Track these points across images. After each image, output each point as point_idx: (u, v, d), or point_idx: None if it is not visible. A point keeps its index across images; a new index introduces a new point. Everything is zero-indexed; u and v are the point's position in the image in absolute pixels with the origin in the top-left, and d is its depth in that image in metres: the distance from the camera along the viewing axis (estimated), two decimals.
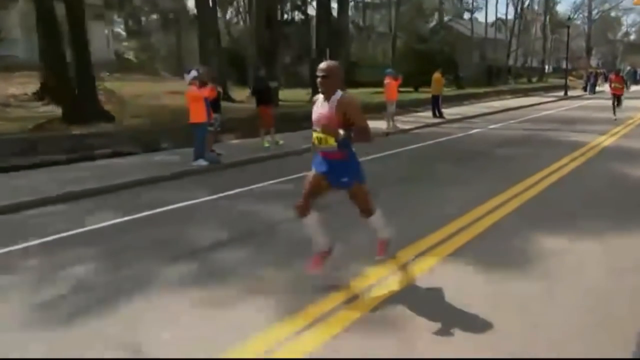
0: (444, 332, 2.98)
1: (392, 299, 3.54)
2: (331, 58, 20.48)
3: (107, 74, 28.58)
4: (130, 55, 32.53)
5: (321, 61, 3.84)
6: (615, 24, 65.93)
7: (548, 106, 23.07)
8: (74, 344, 2.97)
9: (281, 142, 11.62)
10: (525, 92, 32.65)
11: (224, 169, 9.10)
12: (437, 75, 17.22)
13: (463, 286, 3.66)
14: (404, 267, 4.07)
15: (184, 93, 9.07)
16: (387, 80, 14.41)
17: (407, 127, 14.88)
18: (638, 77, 43.58)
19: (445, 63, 28.11)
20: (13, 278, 4.21)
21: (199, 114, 8.90)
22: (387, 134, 13.98)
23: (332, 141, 3.54)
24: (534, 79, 46.67)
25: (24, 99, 20.22)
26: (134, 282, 3.94)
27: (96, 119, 14.18)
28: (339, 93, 3.57)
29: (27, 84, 21.75)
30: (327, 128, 3.46)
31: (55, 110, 18.42)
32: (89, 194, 7.04)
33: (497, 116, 18.44)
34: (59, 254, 4.75)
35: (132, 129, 12.73)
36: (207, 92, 8.98)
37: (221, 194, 6.76)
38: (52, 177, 7.97)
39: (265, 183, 7.46)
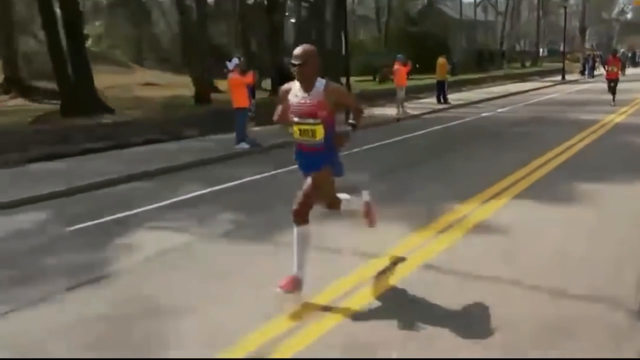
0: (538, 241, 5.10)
1: (489, 219, 5.64)
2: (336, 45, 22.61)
3: None
4: (88, 43, 33.71)
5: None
6: (609, 1, 70.14)
7: (548, 90, 25.88)
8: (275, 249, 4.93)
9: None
10: (521, 77, 35.50)
11: (266, 150, 11.04)
12: (442, 60, 19.59)
13: (537, 216, 5.79)
14: (482, 205, 6.21)
15: (228, 80, 10.99)
16: (396, 66, 16.66)
17: (415, 112, 17.13)
18: (638, 60, 47.35)
19: (438, 48, 30.61)
20: (184, 222, 6.15)
21: (241, 100, 10.87)
22: (397, 119, 16.21)
23: (320, 134, 3.70)
24: (528, 64, 49.94)
25: None
26: (278, 221, 5.90)
27: (96, 111, 15.84)
28: (322, 81, 3.70)
29: None
30: (324, 119, 3.69)
31: (28, 104, 19.86)
32: (162, 172, 8.92)
33: (500, 101, 20.99)
34: (199, 207, 6.70)
35: (150, 119, 14.47)
36: (249, 78, 10.96)
37: (284, 169, 8.66)
38: (115, 160, 9.80)
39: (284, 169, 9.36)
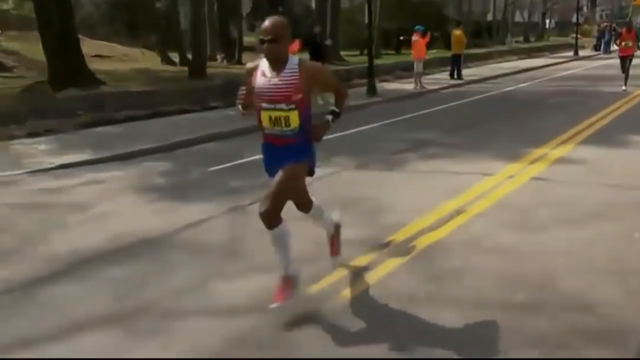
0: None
1: (565, 156, 9.27)
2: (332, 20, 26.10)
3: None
4: (8, 5, 35.88)
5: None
6: None
7: (564, 66, 30.29)
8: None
9: (331, 99, 17.18)
10: (528, 53, 39.85)
11: None
12: (458, 32, 23.36)
13: (602, 154, 9.37)
14: (554, 149, 9.88)
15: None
16: (415, 37, 20.33)
17: (432, 87, 20.84)
18: None
19: (435, 18, 34.62)
20: None
21: None
22: (419, 93, 19.90)
23: (295, 121, 3.92)
24: (533, 38, 54.96)
25: None
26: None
27: (85, 83, 18.75)
28: (294, 58, 3.97)
29: None
30: (299, 104, 3.96)
31: None
32: (235, 134, 12.22)
33: (517, 76, 25.07)
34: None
35: (172, 90, 17.59)
36: (296, 46, 14.36)
37: (342, 133, 12.05)
38: (174, 126, 13.02)
39: (367, 127, 12.97)
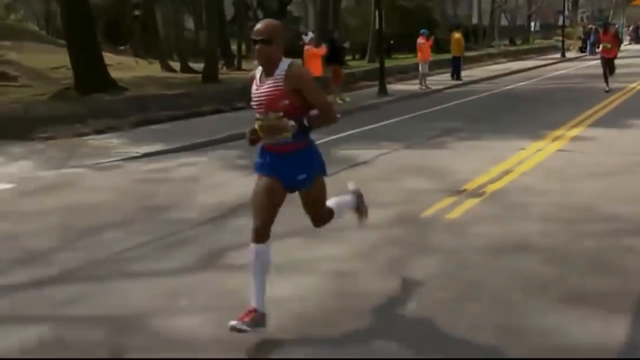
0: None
1: (579, 135, 11.72)
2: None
3: None
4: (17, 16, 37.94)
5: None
6: None
7: (554, 67, 33.14)
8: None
9: (347, 99, 19.61)
10: (516, 55, 42.81)
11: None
12: (457, 35, 26.07)
13: (611, 134, 11.81)
14: (569, 130, 12.38)
15: (304, 52, 16.75)
16: (421, 40, 22.93)
17: (435, 87, 23.38)
18: None
19: (427, 22, 37.34)
20: (371, 142, 11.84)
21: (317, 69, 16.66)
22: (423, 93, 22.44)
23: (285, 132, 4.01)
24: (519, 41, 58.23)
25: None
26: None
27: (108, 88, 20.99)
28: (285, 62, 4.01)
29: None
30: (278, 121, 3.99)
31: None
32: None
33: (511, 77, 27.79)
34: (364, 138, 12.41)
35: (198, 93, 19.87)
36: (323, 50, 16.83)
37: (345, 133, 14.52)
38: (218, 122, 15.31)
39: (362, 129, 15.41)
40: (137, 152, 11.87)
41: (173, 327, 4.47)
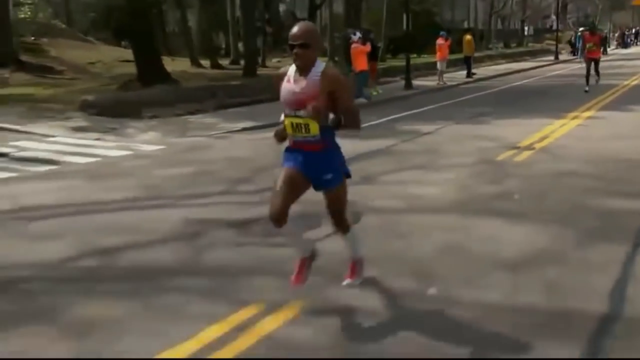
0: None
1: (593, 116, 15.00)
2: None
3: (33, 38, 37.23)
4: (25, 14, 40.53)
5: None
6: None
7: (551, 68, 36.51)
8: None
9: (380, 91, 22.80)
10: (513, 57, 46.27)
11: (372, 105, 19.91)
12: (468, 37, 29.38)
13: (619, 115, 15.01)
14: (583, 112, 15.66)
15: (351, 49, 19.87)
16: (440, 41, 26.18)
17: (450, 84, 26.61)
18: (627, 40, 60.63)
19: (431, 26, 40.58)
20: (428, 119, 15.02)
21: (362, 64, 19.81)
22: (440, 88, 25.65)
23: (315, 129, 4.18)
24: (513, 44, 61.89)
25: None
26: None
27: (165, 80, 24.05)
28: (320, 64, 4.23)
29: None
30: (316, 111, 4.12)
31: (32, 78, 27.28)
32: None
33: (517, 75, 31.09)
34: (421, 118, 15.59)
35: (254, 83, 22.92)
36: (368, 47, 19.98)
37: (385, 118, 17.70)
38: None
39: (409, 112, 18.57)
40: (235, 127, 14.81)
41: None
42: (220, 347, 4.07)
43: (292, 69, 4.33)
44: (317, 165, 4.36)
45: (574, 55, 48.74)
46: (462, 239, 6.19)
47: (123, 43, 43.97)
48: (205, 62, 33.76)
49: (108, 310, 4.78)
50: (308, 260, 4.71)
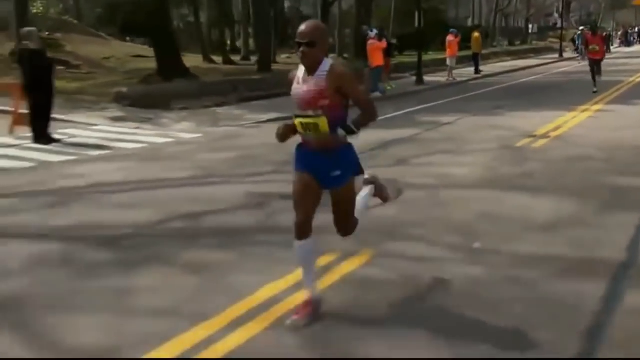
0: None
1: (601, 109, 16.11)
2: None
3: (47, 33, 38.32)
4: (37, 9, 41.63)
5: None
6: None
7: (556, 65, 37.65)
8: None
9: (394, 86, 23.93)
10: (518, 55, 47.39)
11: (387, 99, 21.02)
12: (476, 34, 30.50)
13: (625, 108, 16.19)
14: (592, 106, 16.77)
15: (368, 45, 20.98)
16: (450, 38, 27.30)
17: (460, 79, 27.70)
18: (630, 39, 61.82)
19: (438, 24, 41.67)
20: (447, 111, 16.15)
21: (379, 59, 20.92)
22: (449, 84, 26.76)
23: (324, 127, 4.20)
24: (517, 42, 63.03)
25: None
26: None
27: (184, 75, 25.15)
28: (327, 62, 4.25)
29: None
30: (325, 110, 4.18)
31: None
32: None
33: (524, 72, 32.20)
34: (437, 110, 16.71)
35: (270, 77, 24.00)
36: (384, 44, 21.10)
37: (402, 111, 18.78)
38: None
39: (424, 106, 19.68)
40: (262, 118, 15.86)
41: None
42: None
43: (301, 70, 4.36)
44: (326, 163, 4.32)
45: (578, 53, 49.81)
46: (495, 208, 7.27)
47: (128, 38, 45.27)
48: (217, 58, 34.77)
49: (210, 256, 5.85)
50: (314, 305, 4.52)
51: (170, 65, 24.74)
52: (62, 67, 28.88)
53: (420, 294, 4.98)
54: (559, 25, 54.29)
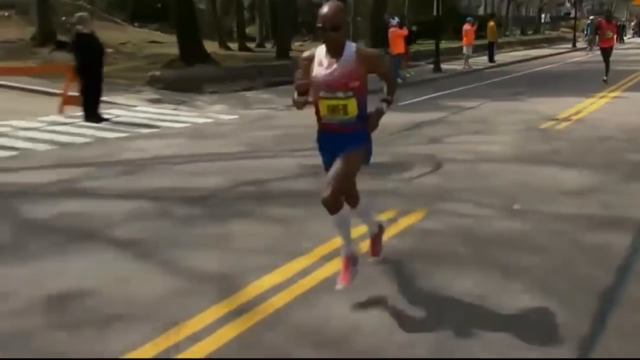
0: None
1: (618, 95, 17.11)
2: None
3: (64, 18, 39.27)
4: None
5: None
6: None
7: (570, 55, 38.56)
8: None
9: (413, 73, 24.93)
10: (531, 44, 48.34)
11: (404, 85, 22.00)
12: (491, 23, 31.47)
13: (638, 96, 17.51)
14: (609, 93, 17.77)
15: (389, 32, 21.97)
16: (467, 27, 28.25)
17: (476, 67, 28.67)
18: None
19: (452, 11, 42.56)
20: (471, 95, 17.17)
21: (399, 47, 21.90)
22: (468, 72, 27.73)
23: (353, 109, 4.40)
24: (529, 32, 63.94)
25: (22, 44, 30.68)
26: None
27: (206, 61, 26.17)
28: (352, 45, 4.45)
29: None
30: (355, 91, 4.39)
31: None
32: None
33: (536, 62, 33.10)
34: (460, 96, 17.75)
35: (295, 62, 24.98)
36: (405, 31, 22.09)
37: (424, 97, 19.80)
38: None
39: (444, 92, 20.71)
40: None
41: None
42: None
43: (320, 51, 4.46)
44: (344, 144, 4.47)
45: (590, 43, 50.62)
46: (528, 178, 8.29)
47: (135, 24, 46.25)
48: (232, 45, 35.80)
49: (285, 212, 6.91)
50: (351, 259, 4.76)
51: (192, 51, 25.74)
52: None
53: (475, 241, 5.98)
54: (572, 14, 54.95)
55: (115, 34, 37.77)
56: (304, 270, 5.25)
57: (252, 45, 37.26)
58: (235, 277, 5.10)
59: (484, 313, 4.51)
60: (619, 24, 48.44)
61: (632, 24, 68.76)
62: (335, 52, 4.38)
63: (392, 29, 21.55)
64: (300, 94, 4.53)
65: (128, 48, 34.46)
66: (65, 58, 29.57)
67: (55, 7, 35.19)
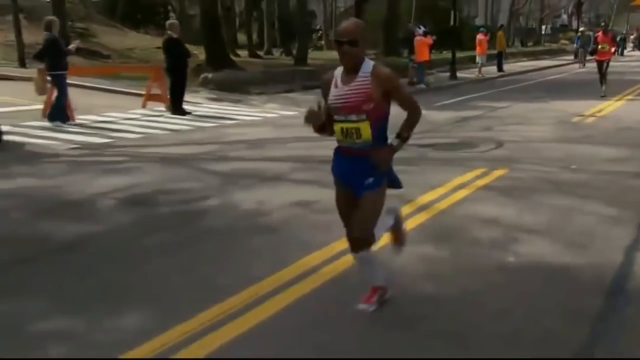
0: None
1: (629, 99, 20.39)
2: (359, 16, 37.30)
3: (70, 22, 42.13)
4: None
5: None
6: None
7: (574, 66, 41.84)
8: None
9: (432, 80, 28.23)
10: (534, 56, 51.91)
11: (429, 91, 25.21)
12: (500, 33, 34.94)
13: None
14: (621, 98, 21.00)
15: (415, 41, 25.24)
16: (480, 36, 31.64)
17: (489, 76, 31.97)
18: None
19: (448, 21, 45.96)
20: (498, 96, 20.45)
21: (424, 55, 25.22)
22: (479, 80, 31.02)
23: (367, 133, 4.39)
24: (529, 43, 67.77)
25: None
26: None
27: (230, 66, 29.29)
28: (369, 63, 4.40)
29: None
30: (369, 114, 4.38)
31: (88, 62, 32.31)
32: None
33: (546, 71, 36.53)
34: (487, 97, 21.00)
35: (317, 68, 28.15)
36: (430, 40, 25.42)
37: (454, 99, 23.04)
38: None
39: (467, 97, 23.92)
40: None
41: None
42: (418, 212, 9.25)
43: (338, 72, 4.51)
44: (361, 169, 4.48)
45: (592, 55, 54.11)
46: (573, 151, 11.43)
47: (141, 30, 49.14)
48: (241, 52, 38.89)
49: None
50: (398, 226, 5.20)
51: (218, 57, 28.89)
52: (92, 58, 32.68)
53: (553, 183, 9.11)
54: (568, 26, 58.33)
55: (119, 39, 40.49)
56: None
57: (260, 53, 40.27)
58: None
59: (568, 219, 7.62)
60: (619, 37, 51.32)
61: (632, 37, 71.70)
62: (350, 69, 4.42)
63: (417, 38, 24.82)
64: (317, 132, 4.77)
65: (135, 53, 37.00)
66: (84, 63, 32.34)
67: (69, 12, 37.90)
